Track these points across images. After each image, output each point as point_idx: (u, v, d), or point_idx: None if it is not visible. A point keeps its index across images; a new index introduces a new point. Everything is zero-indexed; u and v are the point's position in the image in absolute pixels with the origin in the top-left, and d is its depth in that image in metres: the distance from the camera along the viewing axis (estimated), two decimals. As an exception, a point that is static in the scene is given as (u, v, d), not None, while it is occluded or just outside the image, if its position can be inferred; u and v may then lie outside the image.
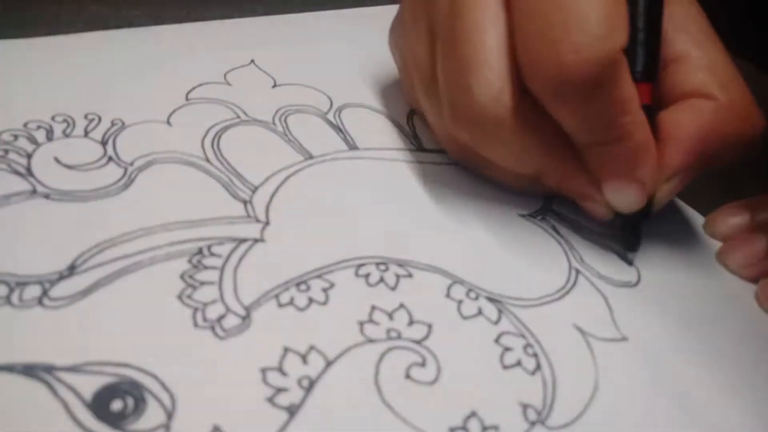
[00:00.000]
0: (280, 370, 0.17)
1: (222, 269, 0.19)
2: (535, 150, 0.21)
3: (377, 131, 0.27)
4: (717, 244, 0.25)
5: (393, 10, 0.26)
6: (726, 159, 0.22)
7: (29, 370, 0.16)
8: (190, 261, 0.19)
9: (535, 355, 0.19)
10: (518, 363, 0.19)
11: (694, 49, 0.22)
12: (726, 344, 0.21)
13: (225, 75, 0.27)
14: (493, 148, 0.22)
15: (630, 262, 0.23)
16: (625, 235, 0.23)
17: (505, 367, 0.19)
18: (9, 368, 0.16)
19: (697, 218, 0.26)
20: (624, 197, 0.22)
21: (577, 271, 0.23)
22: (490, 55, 0.20)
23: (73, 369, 0.16)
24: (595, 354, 0.20)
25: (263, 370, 0.17)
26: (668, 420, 0.19)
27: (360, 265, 0.21)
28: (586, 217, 0.24)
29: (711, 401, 0.19)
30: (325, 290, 0.19)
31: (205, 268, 0.19)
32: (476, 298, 0.21)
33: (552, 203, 0.25)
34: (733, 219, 0.25)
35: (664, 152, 0.21)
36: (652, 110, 0.22)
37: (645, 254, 0.24)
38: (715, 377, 0.20)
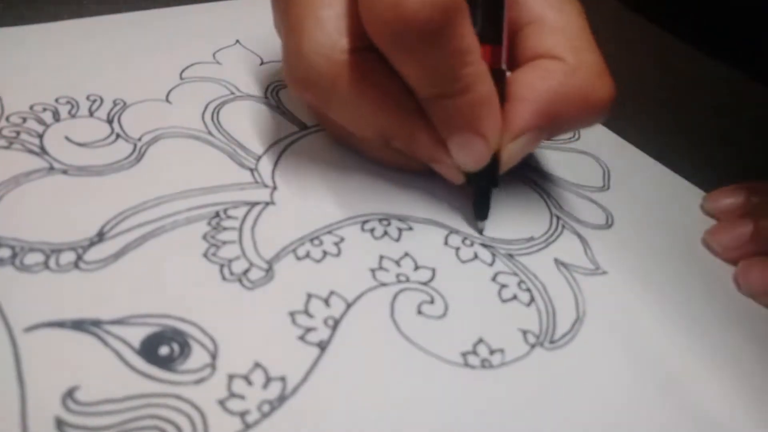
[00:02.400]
0: (307, 312, 0.19)
1: (240, 229, 0.21)
2: (377, 109, 0.21)
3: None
4: (684, 191, 0.28)
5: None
6: (574, 124, 0.23)
7: (78, 325, 0.17)
8: (209, 223, 0.21)
9: (528, 290, 0.22)
10: (514, 297, 0.21)
11: (548, 13, 0.22)
12: (687, 275, 0.24)
13: (214, 54, 0.29)
14: (333, 109, 0.21)
15: (480, 231, 0.23)
16: (476, 203, 0.23)
17: (504, 301, 0.21)
18: (60, 324, 0.17)
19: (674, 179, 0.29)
20: (468, 153, 0.21)
21: (558, 218, 0.25)
22: (322, 13, 0.20)
23: (119, 322, 0.17)
24: (580, 286, 0.22)
25: (291, 314, 0.19)
26: (648, 337, 0.21)
27: (365, 221, 0.22)
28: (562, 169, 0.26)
29: (679, 313, 0.22)
30: (336, 244, 0.21)
31: (225, 229, 0.21)
32: (471, 245, 0.23)
33: (529, 160, 0.28)
34: (728, 200, 0.27)
35: (510, 112, 0.21)
36: (498, 73, 0.21)
37: (616, 199, 0.27)
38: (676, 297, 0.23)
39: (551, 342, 0.20)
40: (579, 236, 0.24)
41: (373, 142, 0.22)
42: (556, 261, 0.23)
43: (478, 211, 0.23)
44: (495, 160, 0.22)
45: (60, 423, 0.15)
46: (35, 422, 0.15)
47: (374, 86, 0.20)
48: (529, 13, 0.22)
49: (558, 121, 0.22)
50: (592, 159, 0.29)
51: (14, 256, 0.18)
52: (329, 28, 0.20)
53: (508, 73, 0.22)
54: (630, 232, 0.25)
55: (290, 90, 0.21)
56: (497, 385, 0.18)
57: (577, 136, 0.30)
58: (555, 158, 0.28)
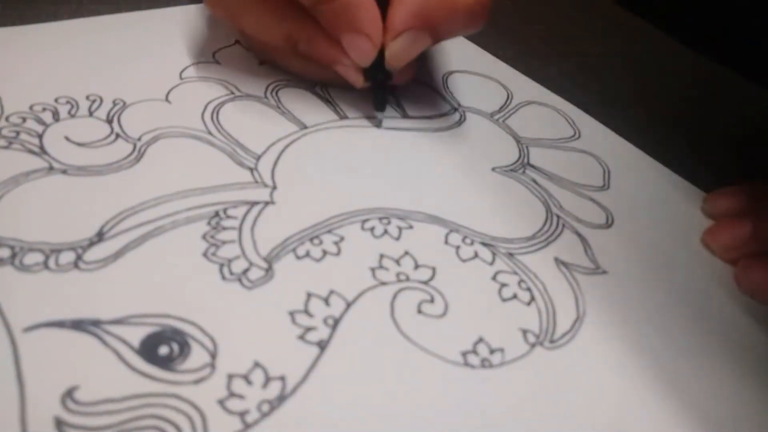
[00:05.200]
0: (307, 312, 0.19)
1: (240, 229, 0.21)
2: (278, 19, 0.25)
3: (364, 101, 0.28)
4: (684, 191, 0.28)
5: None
6: (449, 27, 0.25)
7: (78, 325, 0.17)
8: (209, 223, 0.21)
9: (528, 289, 0.22)
10: (515, 296, 0.21)
11: None
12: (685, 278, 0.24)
13: (213, 54, 0.28)
14: (242, 21, 0.25)
15: (379, 124, 0.27)
16: (374, 96, 0.27)
17: (504, 300, 0.21)
18: (59, 324, 0.17)
19: (674, 179, 0.29)
20: (355, 50, 0.25)
21: (558, 217, 0.25)
22: None
23: (119, 321, 0.17)
24: (581, 286, 0.22)
25: (291, 313, 0.19)
26: (648, 336, 0.21)
27: (365, 220, 0.22)
28: (561, 168, 0.26)
29: (679, 312, 0.22)
30: (336, 243, 0.21)
31: (224, 228, 0.21)
32: (471, 244, 0.23)
33: (529, 159, 0.28)
34: (726, 201, 0.27)
35: (390, 15, 0.24)
36: None
37: (616, 199, 0.27)
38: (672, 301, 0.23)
39: (551, 341, 0.20)
40: (579, 235, 0.24)
41: (282, 48, 0.26)
42: (557, 260, 0.23)
43: (377, 103, 0.27)
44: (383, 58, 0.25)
45: (59, 423, 0.15)
46: (34, 422, 0.15)
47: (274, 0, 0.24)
48: None
49: (432, 23, 0.24)
50: (593, 158, 0.29)
51: (14, 256, 0.18)
52: None
53: None
54: (630, 231, 0.25)
55: (207, 8, 0.26)
56: (497, 384, 0.18)
57: (577, 135, 0.30)
58: (555, 157, 0.28)
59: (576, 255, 0.23)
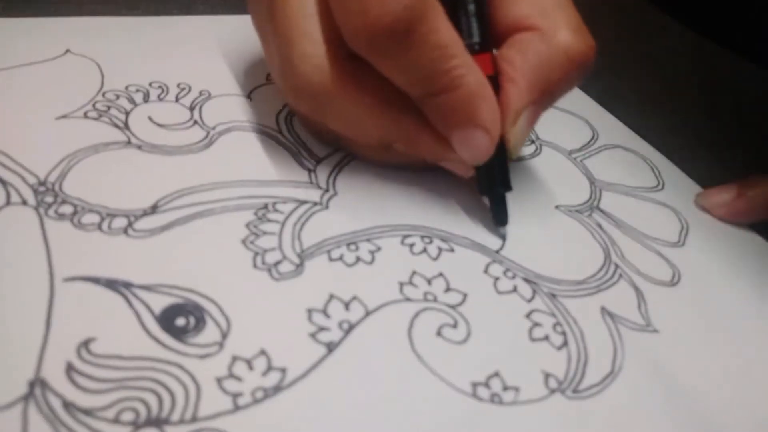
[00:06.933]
0: (325, 312, 0.19)
1: (283, 223, 0.21)
2: (374, 115, 0.21)
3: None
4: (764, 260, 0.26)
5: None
6: (564, 86, 0.22)
7: (111, 284, 0.18)
8: (256, 213, 0.21)
9: (563, 333, 0.20)
10: (546, 338, 0.20)
11: None
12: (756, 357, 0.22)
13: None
14: (331, 118, 0.22)
15: (503, 237, 0.23)
16: (494, 209, 0.23)
17: (533, 340, 0.20)
18: (95, 280, 0.18)
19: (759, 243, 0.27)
20: (471, 147, 0.21)
21: (617, 266, 0.24)
22: (307, 24, 0.20)
23: (147, 288, 0.18)
24: (623, 340, 0.21)
25: (309, 311, 0.19)
26: (690, 407, 0.19)
27: (406, 235, 0.22)
28: (630, 216, 0.25)
29: (735, 388, 0.20)
30: (372, 252, 0.21)
31: (269, 221, 0.21)
32: (513, 277, 0.22)
33: (600, 203, 0.26)
34: (720, 196, 0.28)
35: (504, 95, 0.21)
36: (496, 78, 0.21)
37: (689, 258, 0.25)
38: (733, 388, 0.21)
39: (574, 391, 0.19)
40: (636, 289, 0.23)
41: (374, 146, 0.23)
42: (603, 310, 0.22)
43: (498, 217, 0.23)
44: (504, 162, 0.22)
45: (69, 367, 0.16)
46: (49, 362, 0.16)
47: (369, 91, 0.21)
48: None
49: (549, 89, 0.21)
50: (672, 212, 0.27)
51: (75, 213, 0.20)
52: (318, 39, 0.20)
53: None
54: (696, 293, 0.23)
55: (288, 102, 0.22)
56: (502, 423, 0.17)
57: (660, 186, 0.29)
58: (630, 205, 0.27)
59: (627, 308, 0.22)
